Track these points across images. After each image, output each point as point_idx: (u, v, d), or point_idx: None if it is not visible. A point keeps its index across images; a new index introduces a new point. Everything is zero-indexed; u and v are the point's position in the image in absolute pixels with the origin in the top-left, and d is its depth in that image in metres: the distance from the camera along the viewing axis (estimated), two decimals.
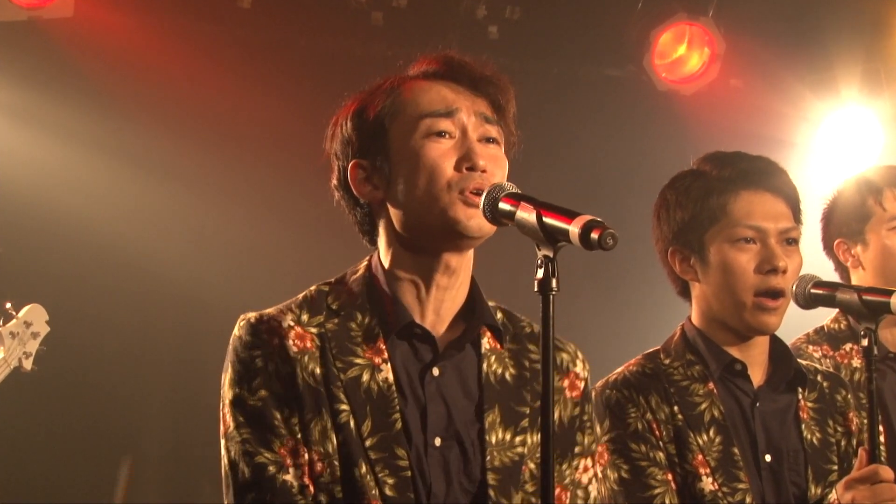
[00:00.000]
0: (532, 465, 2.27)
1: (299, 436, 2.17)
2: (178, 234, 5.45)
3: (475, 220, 2.20)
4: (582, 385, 2.41)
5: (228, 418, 2.21)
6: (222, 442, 2.22)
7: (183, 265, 5.42)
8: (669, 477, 2.75)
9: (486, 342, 2.31)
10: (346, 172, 2.31)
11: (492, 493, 2.22)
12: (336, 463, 2.17)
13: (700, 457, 2.75)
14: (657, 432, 2.77)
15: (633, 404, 2.79)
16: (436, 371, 2.25)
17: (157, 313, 5.44)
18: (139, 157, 5.39)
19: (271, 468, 2.15)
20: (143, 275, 5.33)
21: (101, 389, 5.27)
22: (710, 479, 2.74)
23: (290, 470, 2.16)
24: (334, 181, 2.35)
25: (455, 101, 2.26)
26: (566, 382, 2.39)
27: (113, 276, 5.28)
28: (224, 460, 2.21)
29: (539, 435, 2.23)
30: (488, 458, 2.24)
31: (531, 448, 2.27)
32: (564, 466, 2.35)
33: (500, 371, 2.30)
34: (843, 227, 3.54)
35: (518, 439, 2.26)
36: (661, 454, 2.76)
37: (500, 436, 2.25)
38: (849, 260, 3.53)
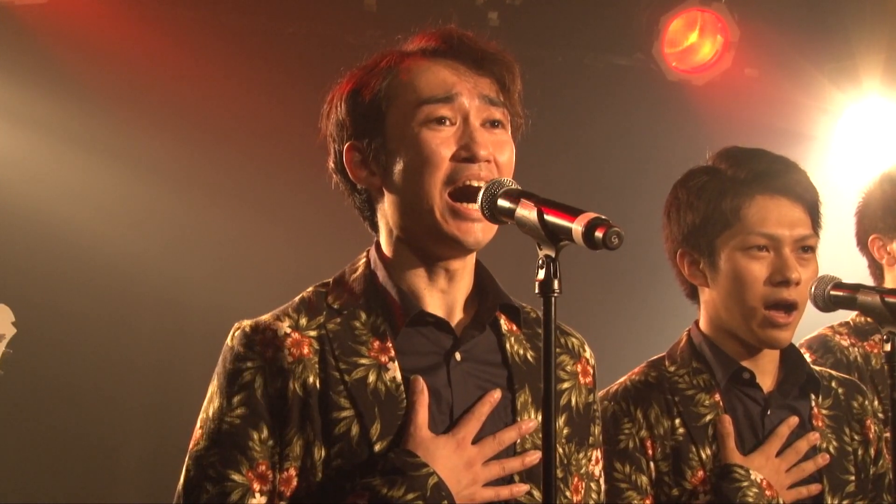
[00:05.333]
0: (560, 450, 2.31)
1: (274, 459, 2.18)
2: (156, 230, 5.44)
3: (472, 236, 2.22)
4: (592, 372, 2.45)
5: (200, 433, 2.23)
6: (187, 458, 2.23)
7: (162, 264, 5.41)
8: (647, 503, 2.75)
9: (504, 323, 2.33)
10: (342, 155, 2.31)
11: (517, 478, 2.24)
12: (312, 477, 2.18)
13: (700, 473, 2.75)
14: (650, 451, 2.77)
15: (628, 419, 2.79)
16: (458, 356, 2.26)
17: (133, 314, 5.42)
18: (116, 151, 5.37)
19: (235, 495, 2.16)
20: (118, 273, 5.32)
21: (75, 394, 5.25)
22: (710, 498, 2.72)
23: (257, 496, 2.17)
24: (331, 164, 2.37)
25: (456, 85, 2.25)
26: (579, 367, 2.43)
27: (86, 274, 5.26)
28: (182, 479, 2.22)
29: (563, 418, 2.30)
30: (518, 441, 2.25)
31: (557, 432, 2.29)
32: (581, 455, 2.38)
33: (522, 352, 2.32)
34: (878, 222, 3.54)
35: None
36: (643, 478, 2.76)
37: (531, 417, 2.27)
38: (884, 257, 3.54)
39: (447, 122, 2.24)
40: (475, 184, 2.20)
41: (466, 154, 2.22)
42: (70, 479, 5.26)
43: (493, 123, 2.27)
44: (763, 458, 2.75)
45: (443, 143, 2.22)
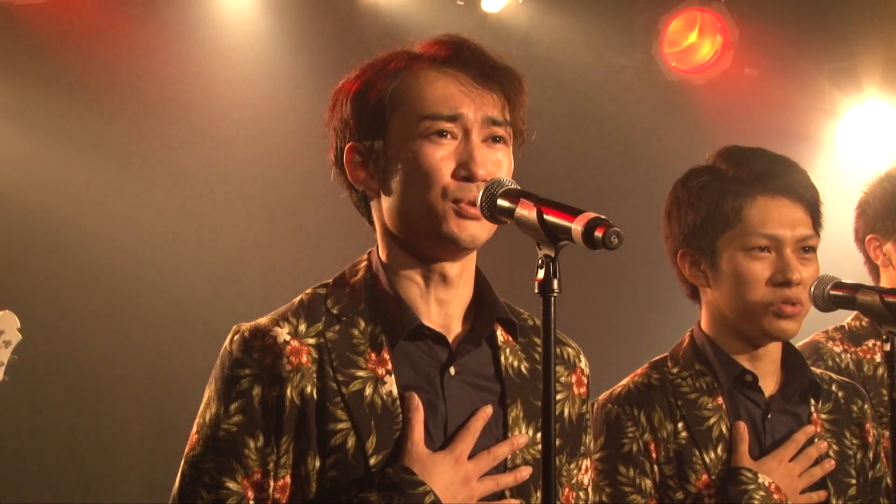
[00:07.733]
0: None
1: (269, 467, 2.18)
2: (160, 233, 5.44)
3: (468, 232, 2.21)
4: (586, 382, 2.44)
5: (196, 438, 2.23)
6: (182, 463, 2.23)
7: (165, 266, 5.41)
8: None
9: (500, 335, 2.32)
10: (343, 153, 2.32)
11: (507, 493, 2.24)
12: (307, 486, 2.18)
13: (705, 476, 2.74)
14: (654, 454, 2.77)
15: (632, 422, 2.78)
16: (452, 371, 2.26)
17: (135, 316, 5.43)
18: (116, 151, 5.37)
19: (230, 503, 2.16)
20: (119, 274, 5.32)
21: (74, 395, 5.26)
22: (716, 501, 2.72)
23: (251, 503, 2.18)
24: (331, 156, 2.36)
25: (461, 104, 2.25)
26: (574, 378, 2.42)
27: (86, 275, 5.26)
28: (177, 484, 2.22)
29: (555, 430, 2.26)
30: (509, 455, 2.26)
31: None
32: (572, 466, 2.38)
33: (516, 364, 2.32)
34: (877, 222, 3.53)
35: (539, 436, 2.26)
36: (647, 482, 2.76)
37: (522, 432, 2.28)
38: (879, 257, 3.53)
39: (448, 136, 2.24)
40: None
41: (465, 173, 2.22)
42: (71, 480, 5.26)
43: (495, 139, 2.27)
44: (776, 461, 2.75)
45: (442, 160, 2.22)
